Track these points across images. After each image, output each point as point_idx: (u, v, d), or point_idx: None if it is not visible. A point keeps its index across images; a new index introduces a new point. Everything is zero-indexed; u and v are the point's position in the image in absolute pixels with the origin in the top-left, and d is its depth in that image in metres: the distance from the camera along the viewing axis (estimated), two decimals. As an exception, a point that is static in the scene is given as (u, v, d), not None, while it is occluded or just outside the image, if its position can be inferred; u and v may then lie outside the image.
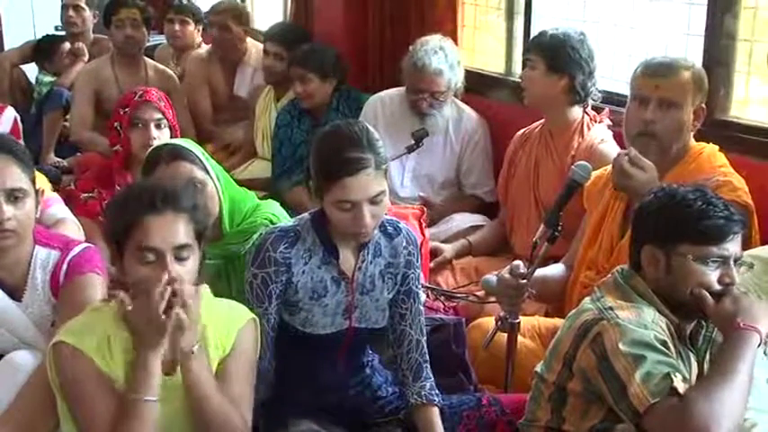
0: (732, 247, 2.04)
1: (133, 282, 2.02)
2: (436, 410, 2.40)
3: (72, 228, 2.92)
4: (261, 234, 2.53)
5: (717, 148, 2.76)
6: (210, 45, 5.17)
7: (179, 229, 1.99)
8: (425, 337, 2.46)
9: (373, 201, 2.19)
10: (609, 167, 2.91)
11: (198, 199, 2.11)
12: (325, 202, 2.23)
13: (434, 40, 3.83)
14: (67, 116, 5.08)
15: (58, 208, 3.00)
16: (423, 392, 2.40)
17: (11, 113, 4.59)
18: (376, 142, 2.22)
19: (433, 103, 3.81)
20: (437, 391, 2.43)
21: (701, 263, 2.03)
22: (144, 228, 1.97)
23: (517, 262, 2.58)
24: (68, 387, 2.02)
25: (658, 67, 2.75)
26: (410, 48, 3.85)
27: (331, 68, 4.14)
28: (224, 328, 2.12)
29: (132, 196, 2.05)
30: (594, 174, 2.89)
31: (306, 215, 2.36)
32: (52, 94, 5.21)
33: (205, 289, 2.16)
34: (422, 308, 2.47)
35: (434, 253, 3.52)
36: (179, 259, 1.99)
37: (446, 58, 3.77)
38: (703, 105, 2.76)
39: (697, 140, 2.80)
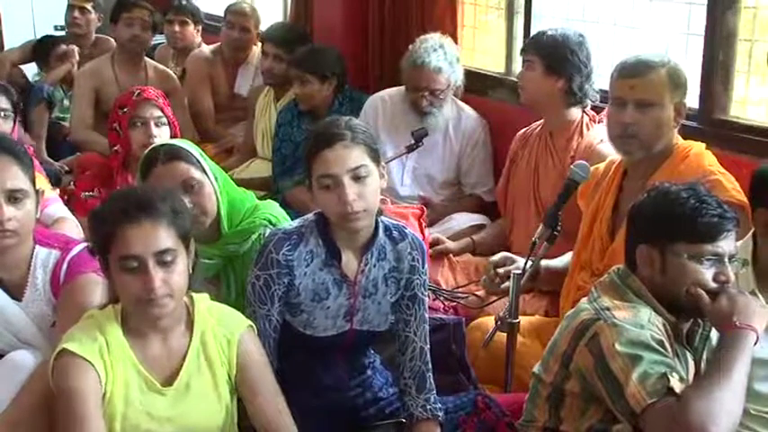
0: (726, 244, 2.04)
1: (120, 291, 2.03)
2: (438, 426, 2.38)
3: (71, 227, 2.92)
4: (260, 235, 2.54)
5: (704, 146, 2.75)
6: (218, 44, 5.18)
7: (158, 235, 1.98)
8: (429, 345, 2.44)
9: (355, 176, 2.19)
10: (601, 165, 2.91)
11: (177, 201, 2.08)
12: (314, 191, 2.24)
13: (434, 39, 3.83)
14: (53, 109, 5.13)
15: (56, 207, 3.00)
16: (428, 406, 2.38)
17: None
18: (357, 126, 2.27)
19: (433, 101, 3.81)
20: (440, 405, 2.41)
21: (695, 261, 2.04)
22: (122, 238, 1.97)
23: None
24: (64, 399, 2.00)
25: (633, 67, 2.73)
26: (410, 47, 3.86)
27: (330, 70, 4.13)
28: (223, 337, 2.12)
29: (108, 207, 2.05)
30: None
31: (310, 216, 2.36)
32: (33, 90, 5.23)
33: (203, 296, 2.18)
34: (426, 315, 2.45)
35: (435, 243, 3.52)
36: (162, 264, 1.98)
37: (445, 56, 3.78)
38: (684, 101, 2.74)
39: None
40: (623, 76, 2.73)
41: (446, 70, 3.78)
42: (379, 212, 2.33)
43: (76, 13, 5.43)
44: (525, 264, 2.67)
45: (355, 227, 2.25)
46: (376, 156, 2.27)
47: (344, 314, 2.36)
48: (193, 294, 2.14)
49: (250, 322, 2.20)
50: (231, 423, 2.16)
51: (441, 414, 2.39)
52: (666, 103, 2.69)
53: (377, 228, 2.33)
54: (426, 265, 2.44)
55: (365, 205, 2.22)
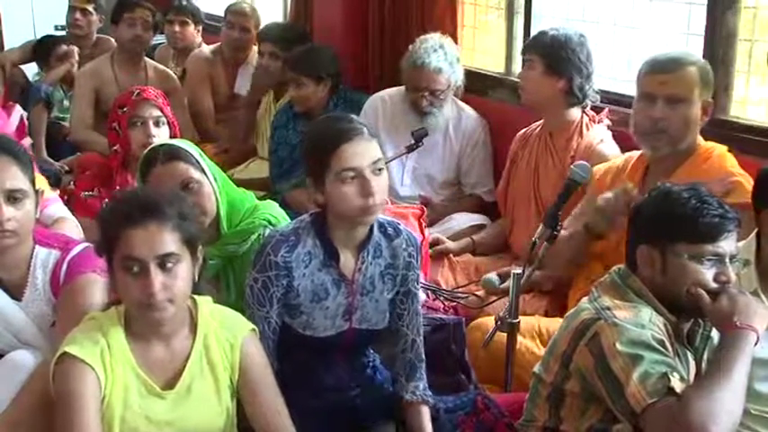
0: (727, 245, 2.04)
1: (122, 293, 2.02)
2: (428, 410, 2.41)
3: (71, 227, 2.92)
4: (259, 235, 2.54)
5: (726, 148, 2.77)
6: (218, 44, 5.19)
7: (163, 239, 1.97)
8: (422, 338, 2.46)
9: (375, 169, 2.21)
10: (618, 159, 2.91)
11: (184, 206, 2.07)
12: (328, 186, 2.22)
13: (434, 39, 3.84)
14: (52, 109, 5.13)
15: (56, 207, 3.00)
16: (417, 392, 2.41)
17: (19, 111, 4.62)
18: (363, 121, 2.29)
19: (433, 101, 3.81)
20: (430, 393, 2.43)
21: (696, 261, 2.04)
22: (126, 239, 1.96)
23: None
24: (63, 403, 1.99)
25: (664, 63, 2.75)
26: (410, 47, 3.86)
27: (325, 71, 4.13)
28: (226, 341, 2.12)
29: (115, 208, 2.05)
30: (603, 166, 2.92)
31: (306, 217, 2.36)
32: (31, 90, 5.25)
33: (206, 299, 2.17)
34: (420, 308, 2.47)
35: (435, 243, 3.53)
36: (164, 269, 1.97)
37: (446, 57, 3.78)
38: (710, 100, 2.77)
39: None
40: (654, 72, 2.75)
41: (446, 71, 3.79)
42: None
43: (78, 15, 5.43)
44: (524, 268, 2.67)
45: (371, 220, 2.27)
46: (382, 150, 2.29)
47: (343, 313, 2.36)
48: (196, 297, 2.13)
49: (253, 325, 2.20)
50: (231, 425, 2.16)
51: (431, 400, 2.42)
52: (695, 101, 2.72)
53: (372, 225, 2.33)
54: (420, 260, 2.46)
55: (383, 198, 2.24)
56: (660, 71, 2.74)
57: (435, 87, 3.79)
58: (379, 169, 2.22)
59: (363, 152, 2.20)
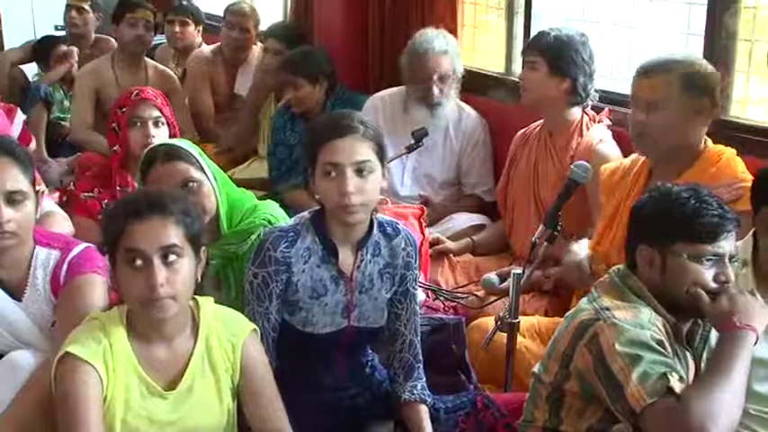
0: (726, 245, 2.04)
1: (124, 289, 2.02)
2: (426, 410, 2.42)
3: (59, 220, 2.90)
4: (259, 234, 2.55)
5: (735, 152, 2.75)
6: (218, 44, 5.20)
7: (166, 232, 1.98)
8: (419, 338, 2.47)
9: (359, 169, 2.21)
10: (626, 160, 2.90)
11: (188, 204, 2.09)
12: (316, 179, 2.25)
13: (431, 29, 3.87)
14: (51, 109, 5.13)
15: (45, 203, 2.99)
16: (415, 391, 2.42)
17: (21, 116, 4.60)
18: (369, 122, 2.30)
19: (442, 88, 3.80)
20: (428, 392, 2.44)
21: (695, 261, 2.04)
22: (130, 233, 1.97)
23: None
24: (65, 403, 1.99)
25: (646, 67, 2.75)
26: (408, 43, 3.86)
27: (320, 71, 4.14)
28: (227, 341, 2.13)
29: (120, 206, 2.07)
30: (611, 166, 2.91)
31: (305, 213, 2.37)
32: (31, 90, 5.25)
33: (208, 299, 2.17)
34: (417, 308, 2.48)
35: (435, 243, 3.53)
36: (167, 263, 1.98)
37: (447, 42, 3.81)
38: (706, 104, 2.71)
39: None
40: (636, 75, 2.75)
41: (451, 52, 3.80)
42: (374, 209, 2.35)
43: (74, 13, 5.44)
44: (524, 268, 2.67)
45: (351, 219, 2.26)
46: (382, 155, 2.29)
47: (342, 310, 2.37)
48: (198, 298, 2.14)
49: (254, 326, 2.21)
50: (232, 426, 2.17)
51: (428, 399, 2.43)
52: (674, 105, 2.67)
53: (371, 224, 2.34)
54: (419, 260, 2.47)
55: (363, 200, 2.23)
56: (640, 75, 2.74)
57: (443, 71, 3.78)
58: (365, 170, 2.22)
59: (349, 150, 2.21)
